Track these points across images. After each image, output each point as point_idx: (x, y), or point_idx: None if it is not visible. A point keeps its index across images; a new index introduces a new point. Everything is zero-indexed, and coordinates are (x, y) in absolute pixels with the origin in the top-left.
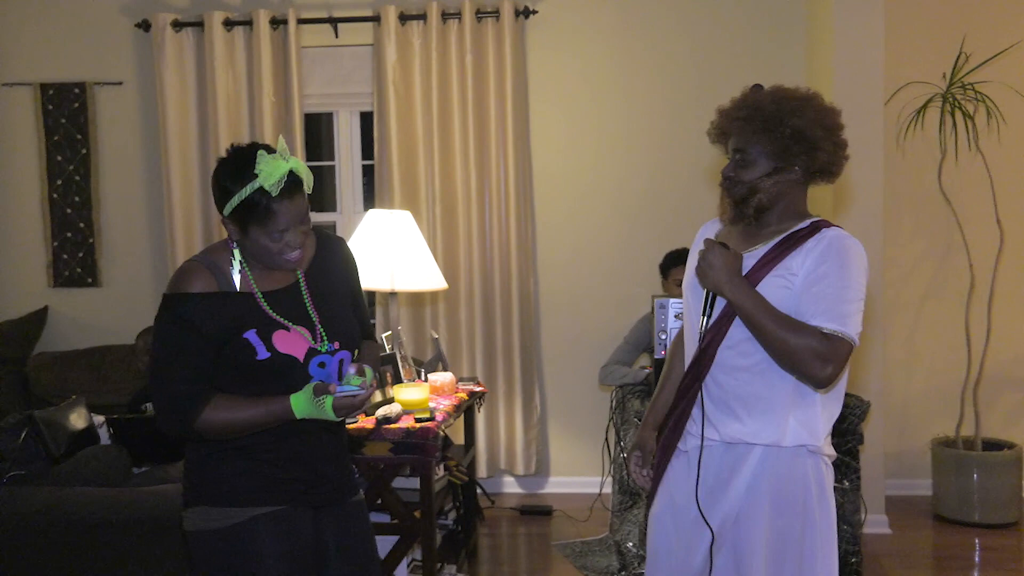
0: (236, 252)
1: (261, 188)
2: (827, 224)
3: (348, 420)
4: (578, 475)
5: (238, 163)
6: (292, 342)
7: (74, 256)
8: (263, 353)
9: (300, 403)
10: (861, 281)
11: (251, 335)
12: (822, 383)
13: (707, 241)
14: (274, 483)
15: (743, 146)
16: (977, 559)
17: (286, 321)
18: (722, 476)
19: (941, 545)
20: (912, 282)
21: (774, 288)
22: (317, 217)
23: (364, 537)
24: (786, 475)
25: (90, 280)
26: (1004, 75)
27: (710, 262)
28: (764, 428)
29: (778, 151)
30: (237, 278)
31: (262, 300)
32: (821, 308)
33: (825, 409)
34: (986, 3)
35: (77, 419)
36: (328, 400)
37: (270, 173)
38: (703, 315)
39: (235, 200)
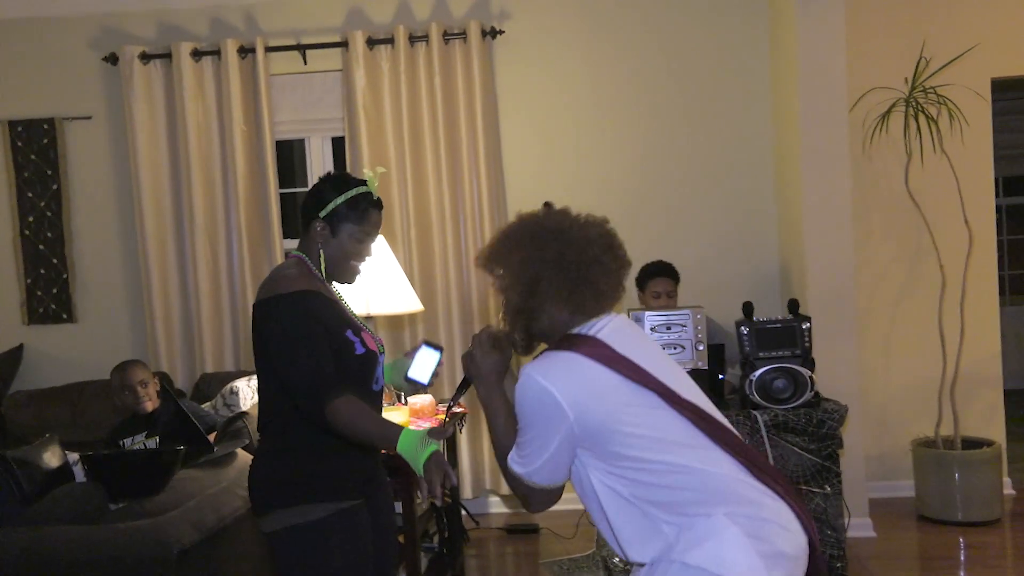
0: (322, 261)
1: (367, 192)
2: (564, 343)
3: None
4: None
5: (341, 177)
6: (370, 341)
7: (48, 292)
8: (360, 349)
9: (408, 439)
10: (522, 414)
11: (350, 334)
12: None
13: (480, 332)
14: (345, 477)
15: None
16: (962, 558)
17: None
18: None
19: (926, 545)
20: (885, 285)
21: None
22: (292, 244)
23: (392, 517)
24: None
25: (65, 316)
26: (964, 78)
27: (475, 363)
28: None
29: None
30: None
31: (347, 305)
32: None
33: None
34: (944, 8)
35: (51, 457)
36: (430, 448)
37: (374, 183)
38: (450, 401)
39: (340, 199)
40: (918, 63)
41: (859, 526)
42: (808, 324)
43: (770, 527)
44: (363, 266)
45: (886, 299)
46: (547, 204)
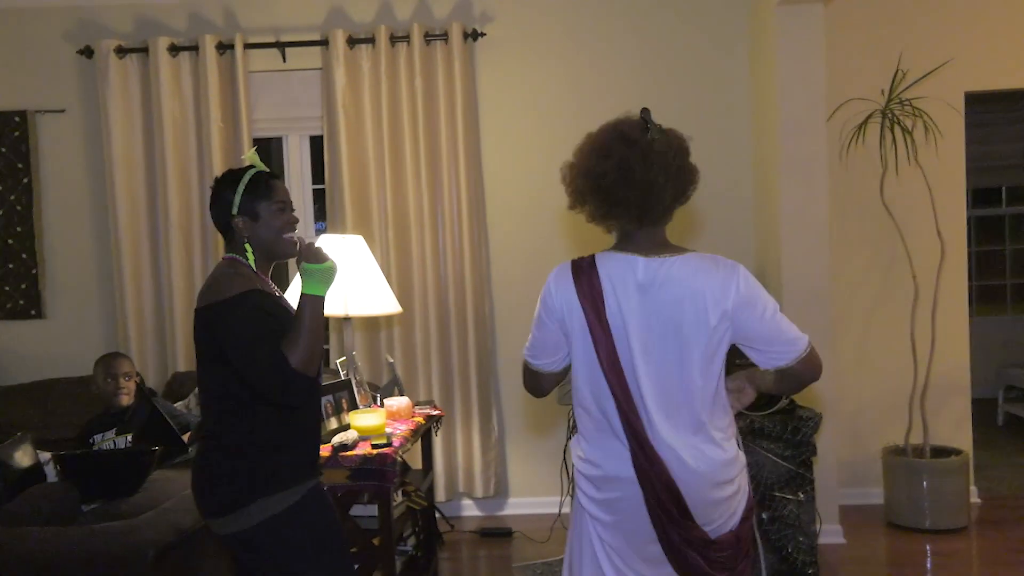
0: (250, 257)
1: (258, 171)
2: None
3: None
4: (538, 496)
5: (226, 174)
6: None
7: (16, 287)
8: None
9: (308, 287)
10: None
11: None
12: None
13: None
14: (304, 462)
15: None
16: (929, 565)
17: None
18: None
19: (894, 552)
20: (860, 293)
21: None
22: None
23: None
24: None
25: (34, 312)
26: (939, 91)
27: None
28: None
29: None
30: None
31: (281, 296)
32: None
33: None
34: (921, 22)
35: (23, 457)
36: (303, 264)
37: (255, 160)
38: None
39: (240, 188)
40: (895, 75)
41: (830, 532)
42: None
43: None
44: (296, 232)
45: (860, 308)
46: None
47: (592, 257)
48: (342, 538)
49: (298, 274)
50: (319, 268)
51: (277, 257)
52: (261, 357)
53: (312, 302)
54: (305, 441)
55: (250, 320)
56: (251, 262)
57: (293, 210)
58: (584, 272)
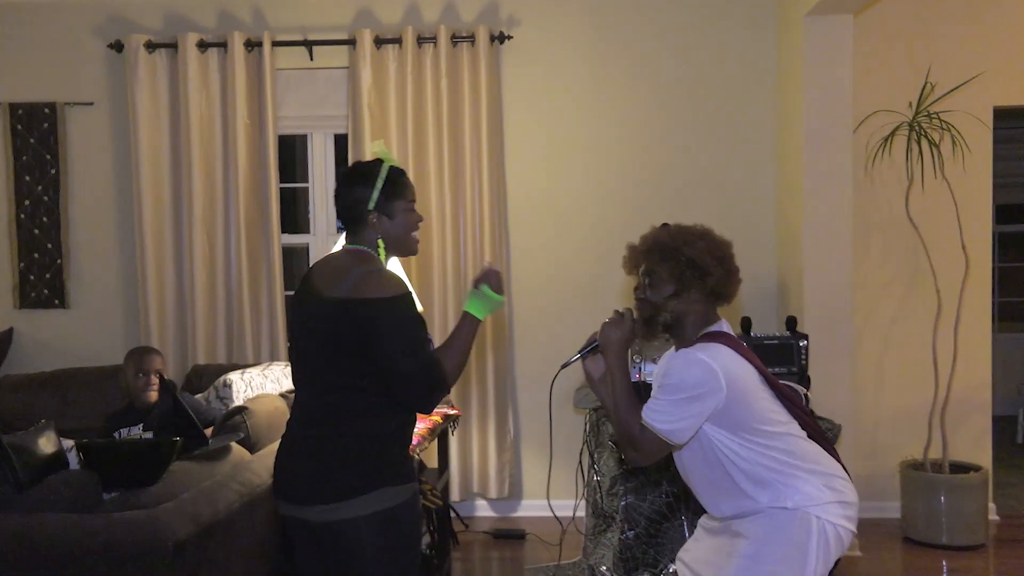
0: (381, 253)
1: (392, 166)
2: (708, 337)
3: None
4: (552, 499)
5: (360, 168)
6: None
7: (41, 278)
8: (433, 346)
9: (473, 306)
10: (680, 384)
11: (426, 332)
12: (632, 463)
13: (626, 309)
14: (409, 461)
15: (650, 271)
16: None
17: None
18: None
19: (910, 568)
20: (881, 306)
21: None
22: (290, 239)
23: None
24: None
25: (57, 302)
26: (968, 104)
27: (608, 332)
28: None
29: (676, 276)
30: None
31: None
32: (647, 405)
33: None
34: (951, 35)
35: (46, 444)
36: (484, 286)
37: (385, 154)
38: (577, 354)
39: (379, 185)
40: (923, 88)
41: None
42: (806, 342)
43: (837, 480)
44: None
45: (881, 320)
46: (665, 225)
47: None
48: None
49: (470, 291)
50: (494, 298)
51: (402, 254)
52: (421, 360)
53: (474, 323)
54: (408, 443)
55: (413, 322)
56: (382, 257)
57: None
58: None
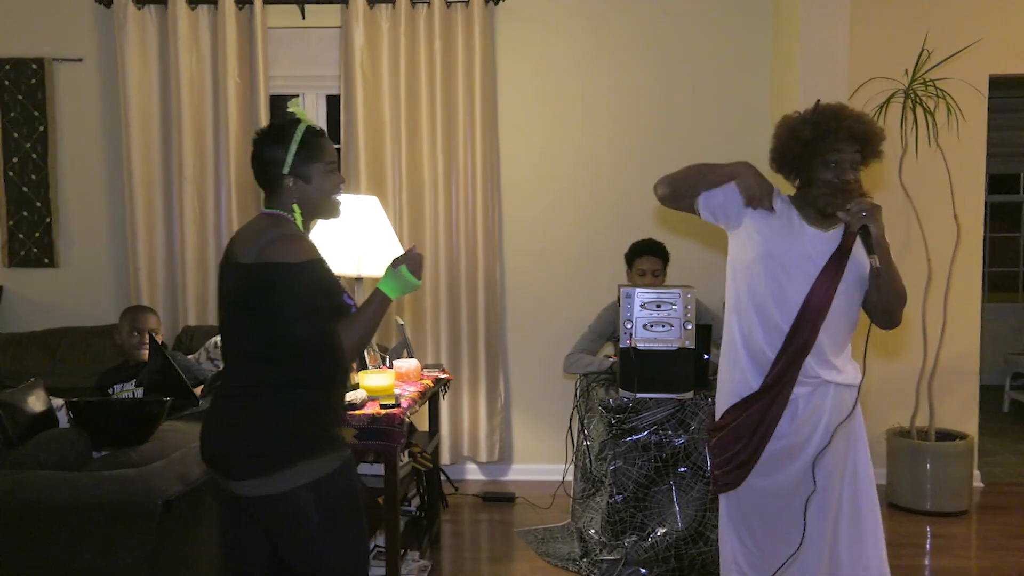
0: (297, 218)
1: (309, 127)
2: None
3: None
4: (541, 463)
5: (275, 129)
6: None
7: (30, 236)
8: (353, 308)
9: (387, 285)
10: None
11: (347, 297)
12: (898, 322)
13: (875, 204)
14: (338, 429)
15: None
16: (928, 546)
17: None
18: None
19: (894, 533)
20: None
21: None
22: None
23: None
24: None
25: (47, 260)
26: (964, 73)
27: (875, 212)
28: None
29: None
30: None
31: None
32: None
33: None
34: (948, 2)
35: (35, 402)
36: (403, 267)
37: (301, 113)
38: (872, 254)
39: (293, 148)
40: (919, 55)
41: None
42: None
43: None
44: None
45: None
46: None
47: None
48: (364, 510)
49: (387, 269)
50: (410, 280)
51: (323, 218)
52: (314, 328)
53: (384, 301)
54: (335, 411)
55: (315, 291)
56: (299, 222)
57: (339, 169)
58: None
